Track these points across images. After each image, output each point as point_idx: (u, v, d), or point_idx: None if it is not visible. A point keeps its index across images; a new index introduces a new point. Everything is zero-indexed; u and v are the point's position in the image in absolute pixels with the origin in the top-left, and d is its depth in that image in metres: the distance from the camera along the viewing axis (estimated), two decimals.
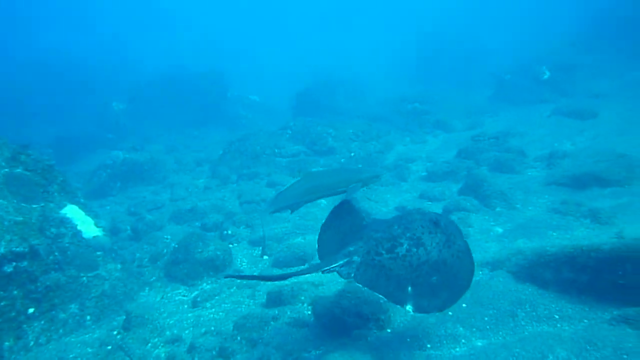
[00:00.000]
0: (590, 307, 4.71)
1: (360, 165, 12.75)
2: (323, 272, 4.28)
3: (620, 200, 7.63)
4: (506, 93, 18.28)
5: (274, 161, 13.40)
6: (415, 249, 4.14)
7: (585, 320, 4.58)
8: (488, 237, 7.43)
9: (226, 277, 6.06)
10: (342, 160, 13.24)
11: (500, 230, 7.69)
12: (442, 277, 4.01)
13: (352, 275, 4.15)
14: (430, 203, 9.54)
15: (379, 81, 27.45)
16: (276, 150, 13.67)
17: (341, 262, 4.25)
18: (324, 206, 10.27)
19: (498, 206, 8.48)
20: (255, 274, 7.84)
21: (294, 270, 4.80)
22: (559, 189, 8.60)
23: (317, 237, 8.95)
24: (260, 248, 8.72)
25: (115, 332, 6.30)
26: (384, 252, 4.20)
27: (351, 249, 4.36)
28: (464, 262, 4.15)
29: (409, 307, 3.87)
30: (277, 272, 7.66)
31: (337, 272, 4.26)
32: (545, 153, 10.66)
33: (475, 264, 4.30)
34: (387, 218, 4.89)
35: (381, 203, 9.77)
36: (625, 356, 3.88)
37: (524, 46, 23.75)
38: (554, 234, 6.90)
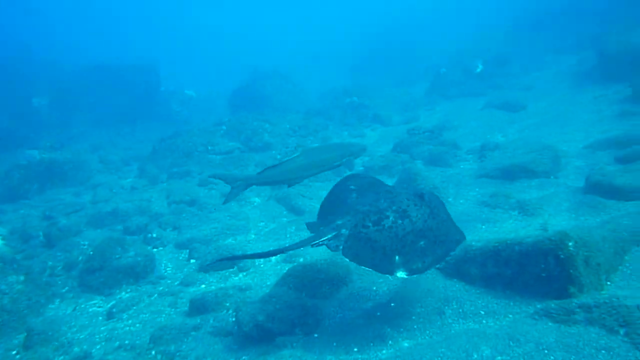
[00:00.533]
0: (514, 301, 4.62)
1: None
2: (313, 245, 4.32)
3: (547, 191, 7.74)
4: (442, 87, 18.53)
5: (207, 158, 12.81)
6: (400, 221, 4.22)
7: (510, 315, 4.48)
8: None
9: (218, 261, 6.56)
10: (279, 156, 12.86)
11: None
12: (430, 240, 4.13)
13: (341, 247, 4.20)
14: None
15: (319, 76, 27.30)
16: (209, 148, 13.08)
17: (330, 235, 4.31)
18: (257, 204, 9.87)
19: None
20: (181, 278, 7.38)
21: (286, 246, 4.81)
22: (490, 181, 8.63)
23: (248, 237, 8.65)
24: (188, 251, 8.21)
25: (14, 352, 5.65)
26: (370, 224, 4.26)
27: (339, 222, 4.42)
28: (451, 228, 4.31)
29: (400, 274, 3.94)
30: (202, 276, 7.23)
31: (326, 245, 4.31)
32: (477, 145, 10.77)
33: None
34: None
35: (315, 200, 9.48)
36: (546, 351, 3.78)
37: (460, 41, 24.33)
38: (483, 227, 6.86)
